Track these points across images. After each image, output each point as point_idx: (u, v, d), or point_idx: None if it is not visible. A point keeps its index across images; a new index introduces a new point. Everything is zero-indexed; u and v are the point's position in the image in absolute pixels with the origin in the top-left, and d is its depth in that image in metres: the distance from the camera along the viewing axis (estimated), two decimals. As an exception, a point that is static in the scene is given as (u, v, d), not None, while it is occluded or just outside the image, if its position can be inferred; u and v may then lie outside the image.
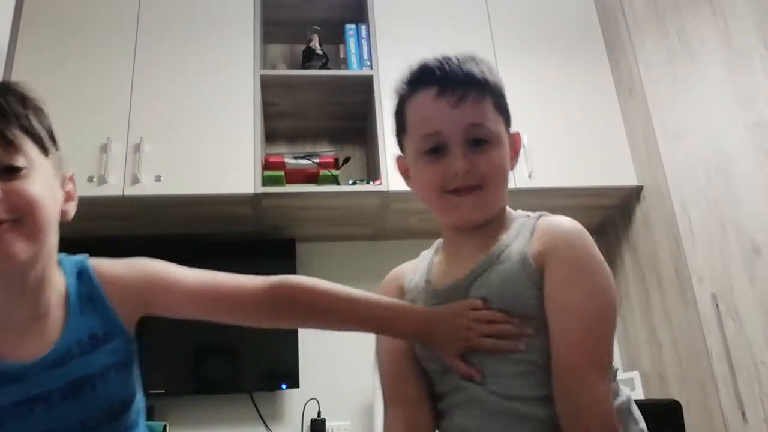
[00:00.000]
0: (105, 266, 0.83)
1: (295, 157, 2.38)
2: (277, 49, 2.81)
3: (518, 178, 2.31)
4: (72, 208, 0.80)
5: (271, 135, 2.64)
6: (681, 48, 2.32)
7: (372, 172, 2.49)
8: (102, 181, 2.13)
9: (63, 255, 0.82)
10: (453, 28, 2.53)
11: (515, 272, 0.87)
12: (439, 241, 1.04)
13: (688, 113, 2.25)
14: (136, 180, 2.14)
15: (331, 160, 2.40)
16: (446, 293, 0.92)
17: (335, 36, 2.65)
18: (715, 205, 2.11)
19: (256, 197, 2.20)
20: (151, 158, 2.18)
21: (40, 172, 0.74)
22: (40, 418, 0.69)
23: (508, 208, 0.98)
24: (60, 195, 0.78)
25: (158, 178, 2.16)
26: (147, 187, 2.15)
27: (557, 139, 2.39)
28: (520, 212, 0.99)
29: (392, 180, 2.24)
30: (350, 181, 2.39)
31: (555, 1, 2.64)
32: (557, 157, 2.36)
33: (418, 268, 1.03)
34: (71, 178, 0.83)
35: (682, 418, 1.52)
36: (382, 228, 2.52)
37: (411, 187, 1.01)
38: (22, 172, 0.71)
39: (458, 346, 0.86)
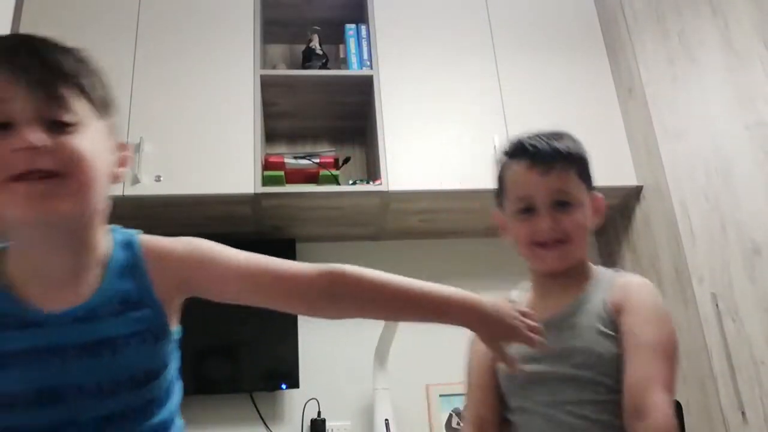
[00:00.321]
0: (152, 240, 0.87)
1: (295, 157, 2.38)
2: (277, 49, 2.81)
3: (518, 178, 2.31)
4: (123, 174, 0.82)
5: (271, 135, 2.64)
6: (681, 48, 2.32)
7: (372, 172, 2.49)
8: (102, 181, 2.13)
9: (117, 226, 0.84)
10: (453, 28, 2.53)
11: (595, 318, 1.05)
12: (527, 283, 1.22)
13: (688, 113, 2.25)
14: (136, 180, 2.14)
15: (331, 160, 2.40)
16: (548, 325, 1.03)
17: (335, 36, 2.65)
18: (715, 205, 2.11)
19: (256, 197, 2.20)
20: (151, 158, 2.18)
21: (91, 131, 0.74)
22: (52, 371, 0.69)
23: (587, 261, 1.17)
24: (112, 158, 0.78)
25: (158, 178, 2.16)
26: (147, 187, 2.15)
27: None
28: (600, 268, 1.18)
29: (392, 180, 2.25)
30: (350, 181, 2.39)
31: (555, 2, 2.64)
32: (557, 157, 2.36)
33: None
34: (126, 146, 0.83)
35: (682, 418, 1.52)
36: (382, 228, 2.52)
37: (506, 237, 1.21)
38: (71, 128, 0.71)
39: (505, 340, 0.93)
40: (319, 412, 2.27)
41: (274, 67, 2.63)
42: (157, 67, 2.31)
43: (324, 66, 2.54)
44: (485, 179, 2.33)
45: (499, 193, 1.22)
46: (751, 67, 2.13)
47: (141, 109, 2.24)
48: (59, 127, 0.70)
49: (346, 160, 2.51)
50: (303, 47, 2.62)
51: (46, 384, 0.70)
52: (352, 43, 2.53)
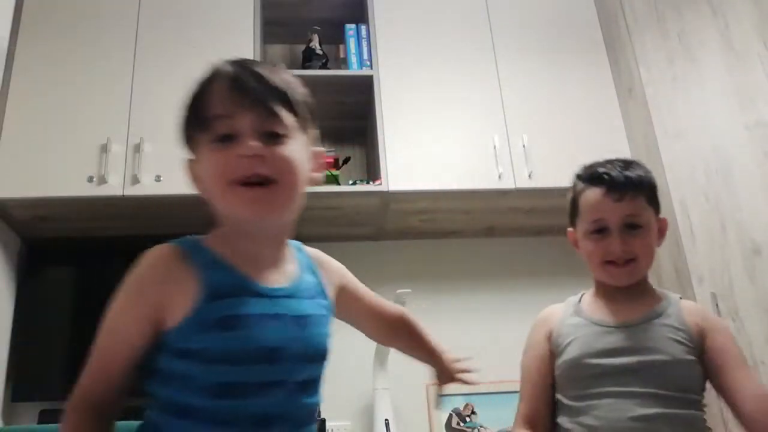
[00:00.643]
0: (313, 249, 1.04)
1: (295, 157, 2.37)
2: (277, 49, 2.81)
3: (518, 178, 2.31)
4: (319, 179, 0.96)
5: (271, 135, 2.64)
6: (681, 48, 2.32)
7: (372, 172, 2.48)
8: (102, 181, 2.13)
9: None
10: (453, 28, 2.53)
11: (670, 328, 1.22)
12: (582, 293, 1.37)
13: (688, 113, 2.25)
14: (136, 180, 2.14)
15: (331, 160, 2.40)
16: (620, 327, 1.24)
17: (335, 36, 2.64)
18: (715, 205, 2.11)
19: (256, 197, 2.20)
20: (151, 158, 2.18)
21: (297, 142, 0.87)
22: (277, 334, 0.83)
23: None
24: (310, 165, 0.92)
25: (158, 178, 2.16)
26: (147, 187, 2.15)
27: (557, 139, 2.39)
28: (657, 288, 1.34)
29: (392, 180, 2.25)
30: (350, 181, 2.39)
31: (555, 2, 2.64)
32: (557, 157, 2.36)
33: (566, 312, 1.33)
34: (322, 154, 0.97)
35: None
36: (382, 228, 2.52)
37: (580, 252, 1.35)
38: (282, 139, 0.85)
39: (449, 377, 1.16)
40: (318, 412, 2.27)
41: (274, 67, 2.63)
42: (157, 67, 2.31)
43: (324, 66, 2.54)
44: (485, 179, 2.35)
45: (573, 213, 1.37)
46: (751, 67, 2.13)
47: (141, 109, 2.24)
48: (272, 138, 0.84)
49: (346, 160, 2.51)
50: (303, 47, 2.61)
51: (271, 345, 0.83)
52: (352, 43, 2.52)
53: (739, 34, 2.19)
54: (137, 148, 2.18)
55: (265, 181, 0.84)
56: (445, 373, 1.13)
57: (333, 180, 2.32)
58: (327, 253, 2.65)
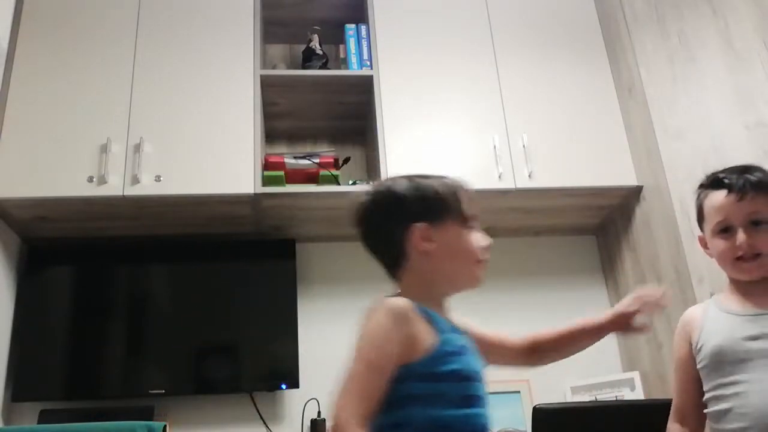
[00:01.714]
0: None
1: (295, 157, 2.38)
2: (277, 49, 2.82)
3: (518, 178, 2.31)
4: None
5: (271, 135, 2.64)
6: (681, 48, 2.32)
7: (372, 172, 2.49)
8: (102, 181, 2.13)
9: None
10: (453, 28, 2.53)
11: None
12: (717, 295, 1.45)
13: (688, 113, 2.25)
14: (136, 180, 2.14)
15: (331, 160, 2.40)
16: (758, 316, 1.32)
17: (335, 36, 2.65)
18: (715, 205, 2.10)
19: (256, 197, 2.20)
20: (151, 158, 2.18)
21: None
22: (474, 358, 1.12)
23: None
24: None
25: (158, 178, 2.16)
26: (147, 187, 2.15)
27: (557, 139, 2.39)
28: None
29: (392, 180, 2.24)
30: (350, 181, 2.39)
31: (555, 2, 2.64)
32: (557, 157, 2.36)
33: (706, 309, 1.41)
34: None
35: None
36: (382, 228, 2.52)
37: (709, 254, 1.44)
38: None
39: (623, 319, 1.28)
40: (319, 412, 2.27)
41: (274, 67, 2.63)
42: (157, 67, 2.31)
43: (324, 66, 2.55)
44: (485, 179, 2.35)
45: (700, 219, 1.45)
46: (751, 67, 2.13)
47: (141, 109, 2.24)
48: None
49: (346, 160, 2.51)
50: (303, 47, 2.62)
51: (477, 366, 1.11)
52: (352, 43, 2.53)
53: (739, 34, 2.19)
54: (137, 148, 2.18)
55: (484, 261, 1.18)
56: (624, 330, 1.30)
57: (333, 180, 2.33)
58: (327, 253, 2.66)
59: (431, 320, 1.09)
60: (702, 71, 2.25)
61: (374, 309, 1.11)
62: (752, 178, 1.38)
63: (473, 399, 1.07)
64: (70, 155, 2.16)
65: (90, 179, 2.13)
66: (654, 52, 2.37)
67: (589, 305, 2.61)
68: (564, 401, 2.36)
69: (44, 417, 2.15)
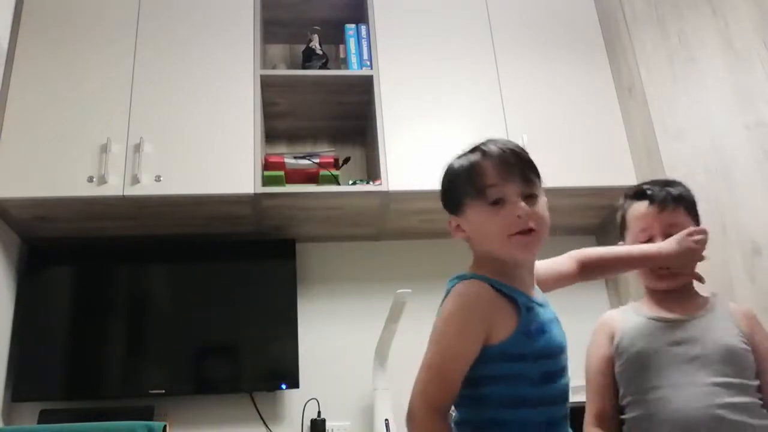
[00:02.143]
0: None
1: (295, 157, 2.38)
2: (277, 49, 2.82)
3: (518, 178, 2.31)
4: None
5: (271, 135, 2.64)
6: (681, 48, 2.32)
7: (372, 172, 2.49)
8: (102, 181, 2.13)
9: None
10: (453, 28, 2.53)
11: (727, 322, 1.36)
12: (633, 303, 1.49)
13: (688, 113, 2.25)
14: (136, 180, 2.14)
15: (331, 160, 2.40)
16: (680, 321, 1.37)
17: (335, 36, 2.65)
18: (715, 205, 2.11)
19: (256, 197, 2.20)
20: (151, 158, 2.18)
21: (542, 198, 1.14)
22: (559, 332, 1.14)
23: None
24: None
25: (158, 178, 2.16)
26: (147, 187, 2.15)
27: (557, 139, 2.39)
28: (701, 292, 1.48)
29: (392, 180, 2.25)
30: (350, 181, 2.39)
31: (555, 2, 2.64)
32: (557, 157, 2.36)
33: (625, 313, 1.46)
34: (548, 202, 1.19)
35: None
36: (382, 228, 2.52)
37: None
38: (537, 199, 1.12)
39: (692, 262, 1.40)
40: (319, 412, 2.27)
41: (274, 67, 2.63)
42: (157, 67, 2.31)
43: (324, 66, 2.54)
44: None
45: (622, 227, 1.51)
46: (751, 67, 2.13)
47: (141, 109, 2.24)
48: (530, 198, 1.11)
49: (346, 160, 2.51)
50: (303, 47, 2.62)
51: (560, 340, 1.12)
52: (352, 43, 2.53)
53: (739, 34, 2.19)
54: (137, 148, 2.18)
55: (531, 231, 1.10)
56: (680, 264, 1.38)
57: (333, 180, 2.32)
58: (327, 253, 2.66)
59: (511, 298, 1.09)
60: (702, 71, 2.25)
61: (454, 292, 1.12)
62: (673, 191, 1.45)
63: (554, 374, 1.09)
64: (70, 155, 2.16)
65: (90, 179, 2.13)
66: (654, 51, 2.37)
67: (589, 305, 2.61)
68: (564, 401, 2.36)
69: (44, 417, 2.15)
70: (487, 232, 1.12)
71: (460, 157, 1.17)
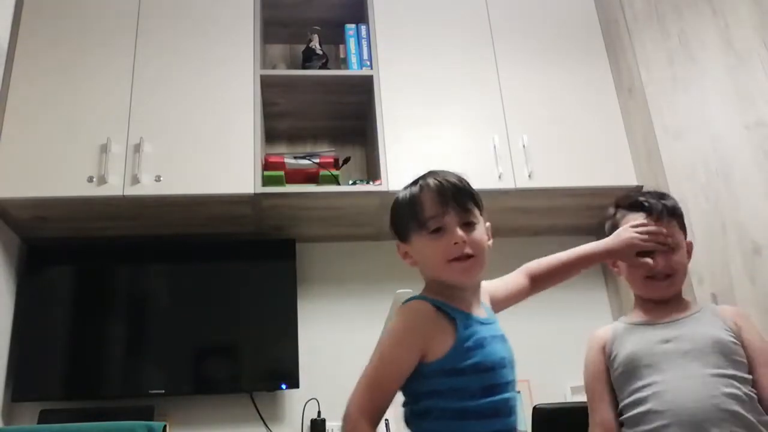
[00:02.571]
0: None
1: (295, 157, 2.38)
2: (277, 49, 2.82)
3: (518, 178, 2.31)
4: (490, 244, 1.26)
5: (271, 135, 2.64)
6: (681, 48, 2.32)
7: (372, 172, 2.49)
8: (102, 181, 2.13)
9: None
10: (453, 29, 2.53)
11: (714, 319, 1.39)
12: (623, 317, 1.51)
13: (688, 113, 2.25)
14: (136, 180, 2.14)
15: (331, 160, 2.40)
16: (667, 324, 1.40)
17: (335, 36, 2.65)
18: (715, 205, 2.11)
19: (256, 197, 2.20)
20: (151, 158, 2.18)
21: (480, 226, 1.23)
22: (500, 347, 1.17)
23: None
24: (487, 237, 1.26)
25: (158, 178, 2.16)
26: (147, 187, 2.15)
27: (557, 139, 2.39)
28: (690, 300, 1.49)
29: (392, 180, 2.25)
30: (350, 181, 2.39)
31: (555, 2, 2.64)
32: (557, 157, 2.36)
33: (616, 327, 1.47)
34: (490, 228, 1.28)
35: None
36: (382, 228, 2.52)
37: (617, 273, 1.54)
38: (474, 226, 1.21)
39: (633, 251, 1.41)
40: (319, 412, 2.27)
41: (274, 67, 2.63)
42: (157, 67, 2.31)
43: (324, 66, 2.54)
44: (485, 179, 2.35)
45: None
46: (751, 67, 2.13)
47: (141, 109, 2.24)
48: (468, 226, 1.20)
49: (346, 160, 2.51)
50: (303, 47, 2.61)
51: (501, 355, 1.16)
52: (351, 43, 2.53)
53: (739, 34, 2.19)
54: (137, 148, 2.18)
55: (469, 257, 1.18)
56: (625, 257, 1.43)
57: (333, 180, 2.32)
58: (327, 253, 2.67)
59: (450, 317, 1.15)
60: (702, 71, 2.25)
61: (398, 311, 1.21)
62: (668, 204, 1.48)
63: (496, 387, 1.13)
64: (70, 155, 2.16)
65: (90, 179, 2.13)
66: (654, 52, 2.37)
67: (589, 305, 2.61)
68: (564, 401, 2.36)
69: (44, 417, 2.15)
70: (430, 259, 1.20)
71: (404, 189, 1.26)
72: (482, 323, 1.19)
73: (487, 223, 1.28)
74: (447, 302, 1.17)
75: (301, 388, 2.28)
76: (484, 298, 1.30)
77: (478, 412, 1.10)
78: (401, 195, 1.25)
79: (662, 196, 1.52)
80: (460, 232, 1.18)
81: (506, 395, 1.14)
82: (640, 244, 1.40)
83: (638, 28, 2.43)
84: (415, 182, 1.25)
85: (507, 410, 1.13)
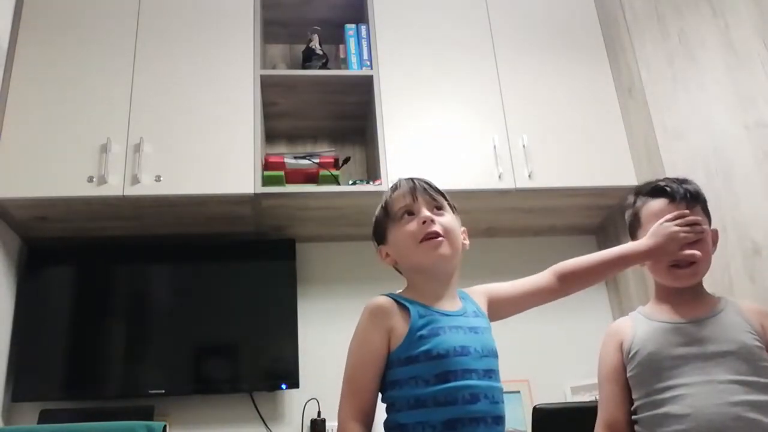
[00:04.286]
0: (469, 289, 1.36)
1: (295, 157, 2.38)
2: (277, 49, 2.82)
3: (518, 178, 2.31)
4: (467, 246, 1.32)
5: (271, 135, 2.64)
6: (681, 48, 2.32)
7: (372, 172, 2.49)
8: (102, 181, 2.13)
9: None
10: (453, 28, 2.53)
11: (738, 320, 1.34)
12: (642, 308, 1.46)
13: (688, 113, 2.25)
14: (136, 180, 2.14)
15: (331, 160, 2.40)
16: (692, 322, 1.35)
17: (335, 36, 2.65)
18: (715, 205, 2.09)
19: (256, 197, 2.20)
20: (151, 158, 2.18)
21: (451, 215, 1.31)
22: (463, 337, 1.19)
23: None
24: (462, 235, 1.32)
25: (158, 178, 2.16)
26: (147, 187, 2.15)
27: (557, 139, 2.39)
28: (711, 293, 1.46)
29: (392, 180, 2.23)
30: (350, 181, 2.39)
31: (555, 2, 2.64)
32: (557, 157, 2.36)
33: (635, 320, 1.43)
34: (465, 231, 1.35)
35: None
36: (382, 228, 2.52)
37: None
38: (443, 212, 1.29)
39: (677, 246, 1.35)
40: (319, 412, 2.27)
41: (274, 67, 2.64)
42: (157, 67, 2.31)
43: (324, 66, 2.54)
44: (485, 179, 2.35)
45: (635, 226, 1.48)
46: (751, 67, 2.13)
47: (141, 109, 2.24)
48: (437, 210, 1.29)
49: (346, 160, 2.51)
50: (303, 47, 2.62)
51: (460, 344, 1.18)
52: (352, 43, 2.53)
53: (739, 34, 2.19)
54: (137, 148, 2.18)
55: (438, 236, 1.24)
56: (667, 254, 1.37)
57: (333, 180, 2.32)
58: (327, 253, 2.69)
59: (407, 309, 1.21)
60: (702, 71, 2.25)
61: (363, 311, 1.25)
62: (691, 188, 1.44)
63: (450, 374, 1.15)
64: (70, 155, 2.16)
65: (90, 179, 2.13)
66: (654, 52, 2.37)
67: (589, 305, 2.61)
68: (564, 401, 2.36)
69: (44, 417, 2.15)
70: (402, 244, 1.27)
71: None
72: (446, 315, 1.22)
73: (463, 228, 1.34)
74: (409, 296, 1.24)
75: (301, 388, 2.28)
76: (477, 297, 1.33)
77: (434, 399, 1.13)
78: (385, 194, 1.34)
79: (684, 181, 1.46)
80: (427, 212, 1.26)
81: (465, 382, 1.15)
82: (682, 237, 1.34)
83: (638, 28, 2.43)
84: (389, 189, 1.34)
85: (468, 397, 1.14)
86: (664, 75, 2.32)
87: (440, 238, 1.24)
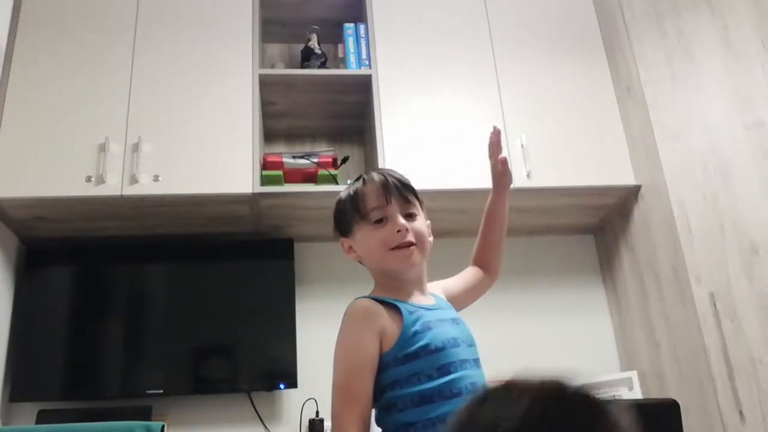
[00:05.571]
0: (432, 285, 1.39)
1: (294, 157, 2.37)
2: (276, 49, 2.81)
3: (517, 178, 2.31)
4: (431, 240, 1.32)
5: (269, 134, 2.64)
6: (680, 48, 2.32)
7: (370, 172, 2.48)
8: (100, 181, 2.13)
9: None
10: (452, 28, 2.53)
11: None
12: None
13: (686, 113, 2.25)
14: (134, 180, 2.14)
15: (330, 159, 2.40)
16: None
17: (334, 35, 2.65)
18: (714, 205, 2.11)
19: (255, 197, 2.20)
20: (150, 158, 2.17)
21: (421, 218, 1.30)
22: (449, 329, 1.21)
23: None
24: (428, 232, 1.32)
25: (156, 178, 2.16)
26: (145, 187, 2.14)
27: (556, 139, 2.39)
28: None
29: (391, 180, 2.24)
30: (349, 181, 2.38)
31: (554, 2, 2.64)
32: (556, 156, 2.36)
33: None
34: (431, 224, 1.34)
35: (680, 418, 1.53)
36: (380, 228, 2.52)
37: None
38: (415, 217, 1.28)
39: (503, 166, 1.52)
40: (317, 412, 2.27)
41: (272, 67, 2.63)
42: (156, 66, 2.31)
43: (323, 65, 2.54)
44: (484, 179, 2.34)
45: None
46: (750, 67, 2.14)
47: (140, 109, 2.24)
48: (409, 217, 1.27)
49: (345, 160, 2.51)
50: (302, 46, 2.61)
51: (452, 335, 1.20)
52: (350, 42, 2.52)
53: (738, 34, 2.19)
54: (135, 148, 2.17)
55: (410, 245, 1.24)
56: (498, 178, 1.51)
57: (331, 179, 2.32)
58: (325, 253, 2.70)
59: (393, 308, 1.20)
60: (701, 71, 2.25)
61: (343, 316, 1.24)
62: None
63: (450, 366, 1.16)
64: (69, 155, 2.16)
65: (88, 179, 2.13)
66: (653, 51, 2.37)
67: (587, 305, 2.61)
68: (562, 401, 2.36)
69: (42, 417, 2.15)
70: (372, 248, 1.26)
71: (348, 186, 1.32)
72: (428, 309, 1.23)
73: (428, 221, 1.33)
74: (389, 296, 1.23)
75: (300, 388, 2.28)
76: (436, 291, 1.35)
77: (439, 393, 1.13)
78: (344, 192, 1.32)
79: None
80: (402, 220, 1.24)
81: (464, 372, 1.17)
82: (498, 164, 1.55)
83: (637, 28, 2.43)
84: (358, 178, 1.31)
85: (470, 387, 1.16)
86: (662, 74, 2.33)
87: (412, 248, 1.24)
